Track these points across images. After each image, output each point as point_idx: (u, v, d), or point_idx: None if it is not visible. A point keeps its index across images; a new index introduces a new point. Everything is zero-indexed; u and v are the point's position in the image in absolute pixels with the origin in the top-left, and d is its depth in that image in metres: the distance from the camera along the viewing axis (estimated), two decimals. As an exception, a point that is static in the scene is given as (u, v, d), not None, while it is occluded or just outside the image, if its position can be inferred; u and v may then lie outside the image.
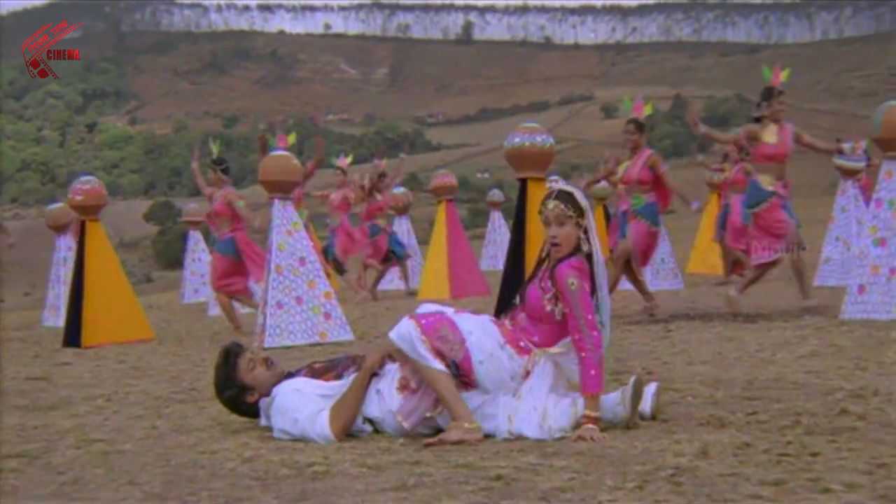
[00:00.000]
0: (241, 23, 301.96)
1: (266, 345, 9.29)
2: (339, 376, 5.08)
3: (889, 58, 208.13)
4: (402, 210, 19.78)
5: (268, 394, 4.99)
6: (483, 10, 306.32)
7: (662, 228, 11.43)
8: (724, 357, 6.97)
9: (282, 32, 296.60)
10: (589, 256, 4.86)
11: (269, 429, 4.96)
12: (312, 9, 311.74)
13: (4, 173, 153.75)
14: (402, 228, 19.58)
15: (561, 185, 5.19)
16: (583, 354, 4.67)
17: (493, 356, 4.72)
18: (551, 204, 4.87)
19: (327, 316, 9.80)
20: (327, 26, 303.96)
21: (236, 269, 11.50)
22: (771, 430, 4.45)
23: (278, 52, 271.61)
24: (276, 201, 9.90)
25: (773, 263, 10.05)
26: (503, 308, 7.13)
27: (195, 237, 19.61)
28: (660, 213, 10.89)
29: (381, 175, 16.97)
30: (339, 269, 16.09)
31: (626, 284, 14.76)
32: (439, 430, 4.69)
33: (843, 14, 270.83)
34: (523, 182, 8.76)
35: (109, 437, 5.15)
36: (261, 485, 3.93)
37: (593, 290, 4.83)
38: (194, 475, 4.15)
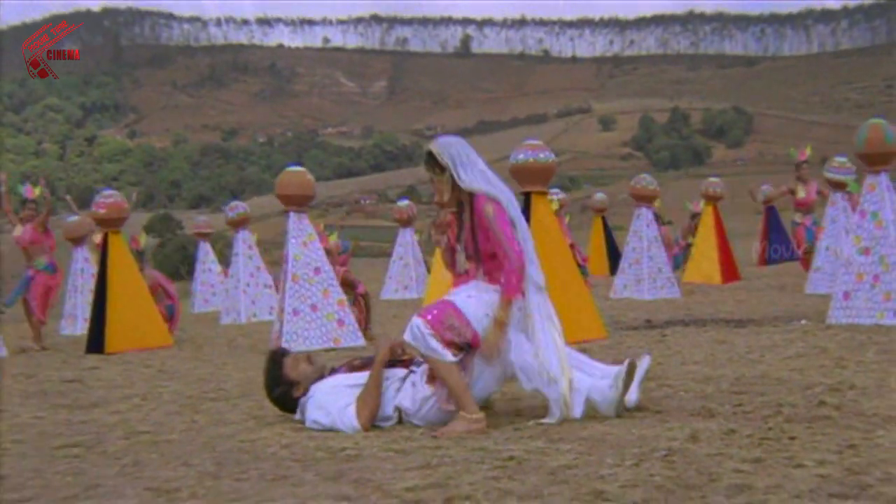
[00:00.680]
0: (239, 36, 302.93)
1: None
2: (374, 370, 5.61)
3: (884, 70, 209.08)
4: (406, 222, 20.30)
5: (307, 390, 5.50)
6: (481, 24, 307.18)
7: None
8: (716, 358, 7.49)
9: (280, 46, 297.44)
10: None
11: (302, 422, 5.47)
12: (311, 22, 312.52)
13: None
14: (406, 239, 20.14)
15: (431, 146, 5.57)
16: (506, 265, 5.20)
17: (490, 306, 5.23)
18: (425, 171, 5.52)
19: (340, 323, 10.33)
20: (326, 40, 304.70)
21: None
22: (754, 419, 4.96)
23: (277, 65, 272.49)
24: (292, 214, 10.47)
25: None
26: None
27: (205, 248, 20.15)
28: None
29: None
30: None
31: (624, 293, 15.33)
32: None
33: (840, 27, 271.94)
34: (527, 195, 9.30)
35: (154, 430, 5.65)
36: (301, 465, 4.44)
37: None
38: (240, 458, 4.66)
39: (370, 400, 5.33)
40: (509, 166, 9.34)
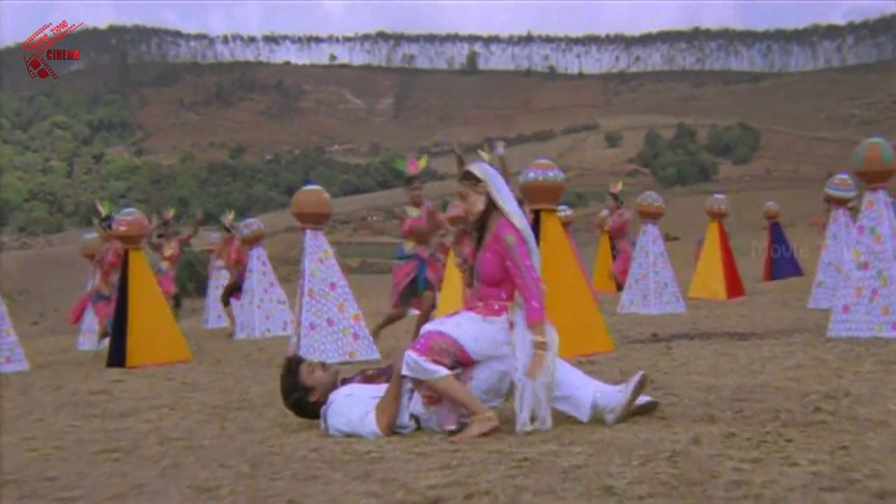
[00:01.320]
0: (246, 54, 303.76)
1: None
2: (389, 380, 5.93)
3: (890, 86, 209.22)
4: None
5: (326, 399, 5.82)
6: (488, 41, 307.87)
7: None
8: (719, 369, 7.80)
9: (287, 63, 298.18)
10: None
11: (326, 430, 5.79)
12: (318, 40, 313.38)
13: (12, 203, 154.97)
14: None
15: (470, 166, 6.03)
16: (525, 293, 5.58)
17: (482, 332, 5.60)
18: (458, 185, 5.89)
19: (356, 336, 10.67)
20: (332, 57, 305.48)
21: None
22: (753, 424, 5.28)
23: (284, 82, 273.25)
24: (308, 231, 10.82)
25: None
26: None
27: (217, 265, 20.47)
28: None
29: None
30: None
31: (630, 308, 15.61)
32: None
33: (845, 43, 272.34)
34: (537, 213, 9.64)
35: (186, 436, 5.97)
36: (329, 466, 4.77)
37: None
38: (272, 461, 4.98)
39: (389, 408, 5.66)
40: (519, 184, 9.70)
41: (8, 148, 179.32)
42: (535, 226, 9.53)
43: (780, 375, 7.15)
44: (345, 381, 6.04)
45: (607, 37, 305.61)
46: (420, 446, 5.20)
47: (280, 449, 5.33)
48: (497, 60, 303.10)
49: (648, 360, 8.82)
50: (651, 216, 16.17)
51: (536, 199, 9.66)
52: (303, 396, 5.94)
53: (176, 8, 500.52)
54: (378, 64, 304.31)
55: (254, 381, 9.10)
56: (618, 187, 20.07)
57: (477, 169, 5.89)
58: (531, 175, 9.61)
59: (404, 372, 5.56)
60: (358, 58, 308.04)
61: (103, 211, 14.12)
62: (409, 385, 5.74)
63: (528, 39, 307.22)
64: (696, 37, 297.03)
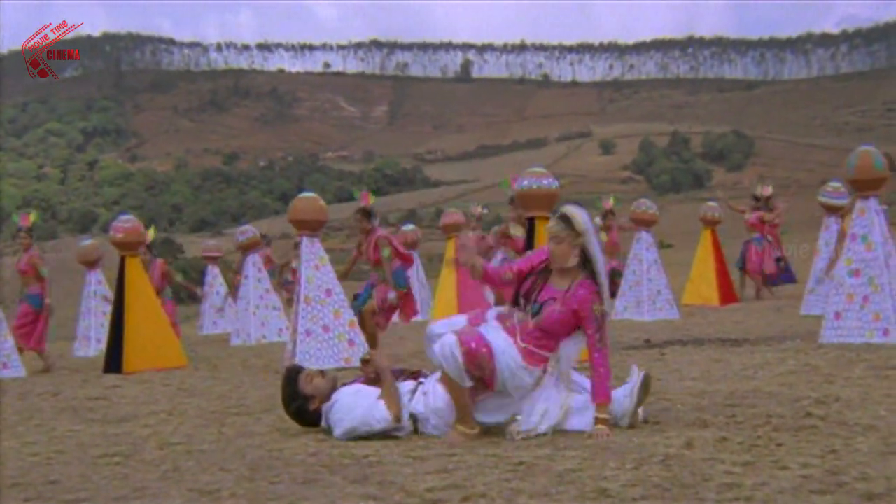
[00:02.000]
0: (240, 61, 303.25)
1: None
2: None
3: (884, 93, 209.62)
4: (411, 246, 20.67)
5: (328, 399, 5.90)
6: (481, 49, 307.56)
7: None
8: (711, 374, 7.90)
9: (281, 71, 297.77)
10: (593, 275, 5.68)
11: (327, 431, 5.87)
12: (311, 47, 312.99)
13: (6, 210, 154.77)
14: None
15: (567, 207, 5.85)
16: (601, 370, 5.61)
17: (515, 375, 5.59)
18: (552, 222, 5.78)
19: (351, 343, 10.73)
20: (326, 65, 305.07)
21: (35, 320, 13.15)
22: (745, 428, 5.37)
23: (278, 90, 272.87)
24: (304, 238, 10.88)
25: None
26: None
27: (213, 272, 20.58)
28: None
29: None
30: None
31: (624, 314, 15.70)
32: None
33: (839, 51, 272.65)
34: (531, 220, 9.72)
35: (185, 441, 6.05)
36: (328, 470, 4.85)
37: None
38: (272, 464, 5.06)
39: (393, 398, 5.76)
40: (515, 192, 9.79)
41: (2, 155, 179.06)
42: (530, 234, 9.63)
43: (772, 381, 7.25)
44: (345, 385, 6.13)
45: (601, 45, 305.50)
46: (417, 450, 5.28)
47: (279, 453, 5.41)
48: (491, 68, 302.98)
49: (642, 366, 8.85)
50: (645, 224, 16.26)
51: (531, 206, 9.74)
52: (303, 405, 6.03)
53: (170, 16, 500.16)
54: (372, 72, 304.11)
55: (251, 386, 9.17)
56: (609, 203, 20.11)
57: (578, 216, 5.69)
58: (525, 183, 9.67)
59: (436, 351, 5.56)
60: (352, 65, 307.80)
61: (149, 237, 14.58)
62: (409, 386, 5.83)
63: (521, 47, 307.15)
64: (689, 45, 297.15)
